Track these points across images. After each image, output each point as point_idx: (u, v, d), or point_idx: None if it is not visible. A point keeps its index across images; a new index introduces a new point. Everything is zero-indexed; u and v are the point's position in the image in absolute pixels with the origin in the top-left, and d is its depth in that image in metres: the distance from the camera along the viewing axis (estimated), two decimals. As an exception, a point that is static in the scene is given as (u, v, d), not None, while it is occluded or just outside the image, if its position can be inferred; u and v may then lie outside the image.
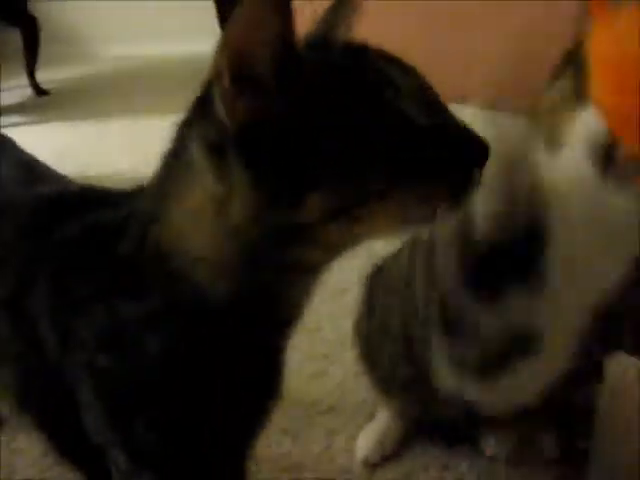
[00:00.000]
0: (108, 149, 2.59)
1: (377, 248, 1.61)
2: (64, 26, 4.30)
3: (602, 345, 0.89)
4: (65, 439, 0.74)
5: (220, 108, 0.55)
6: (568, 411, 0.95)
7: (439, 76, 0.59)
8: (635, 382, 0.90)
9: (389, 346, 1.00)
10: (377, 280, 1.06)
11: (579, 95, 0.73)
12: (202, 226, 0.59)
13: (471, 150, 0.59)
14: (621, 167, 0.70)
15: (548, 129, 0.77)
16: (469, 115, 0.65)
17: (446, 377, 0.91)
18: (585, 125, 0.72)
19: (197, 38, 4.27)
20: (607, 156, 0.71)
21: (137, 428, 0.64)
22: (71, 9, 4.32)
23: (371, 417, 1.10)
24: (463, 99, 1.29)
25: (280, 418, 1.08)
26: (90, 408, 0.66)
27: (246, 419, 0.70)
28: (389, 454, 1.05)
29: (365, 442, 1.06)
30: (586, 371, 0.91)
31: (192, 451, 0.65)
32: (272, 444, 1.07)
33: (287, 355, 0.71)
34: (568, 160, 0.74)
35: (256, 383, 0.68)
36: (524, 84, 1.17)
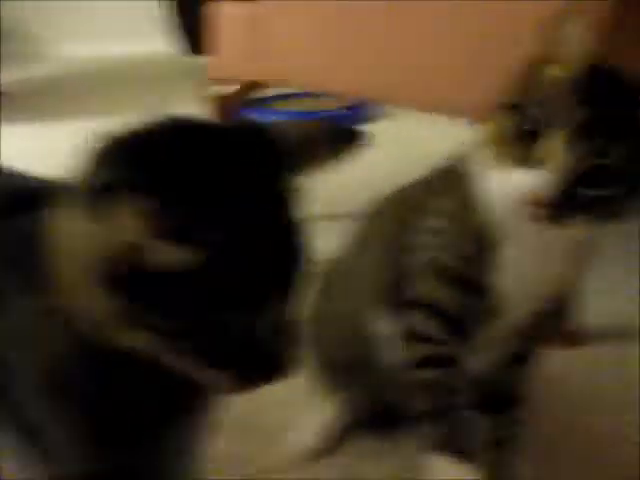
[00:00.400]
0: (57, 151, 2.58)
1: (316, 245, 1.67)
2: (15, 25, 4.26)
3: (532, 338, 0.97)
4: None
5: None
6: (497, 397, 1.00)
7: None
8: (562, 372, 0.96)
9: (339, 330, 1.04)
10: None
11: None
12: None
13: (260, 366, 0.59)
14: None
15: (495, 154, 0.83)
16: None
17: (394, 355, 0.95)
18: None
19: (149, 38, 4.29)
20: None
21: None
22: (21, 8, 4.28)
23: (313, 409, 1.14)
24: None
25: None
26: None
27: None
28: (331, 445, 1.09)
29: (306, 434, 1.10)
30: (517, 359, 0.98)
31: None
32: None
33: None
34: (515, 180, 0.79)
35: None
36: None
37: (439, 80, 1.34)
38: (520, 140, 0.78)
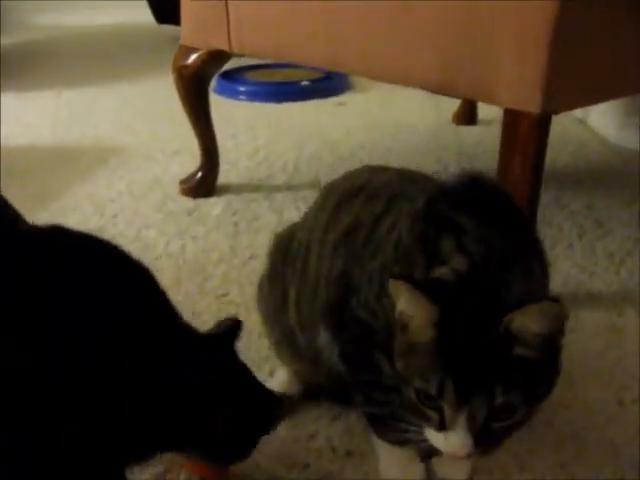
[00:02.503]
0: (32, 120, 2.60)
1: (289, 217, 1.69)
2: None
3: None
4: None
5: None
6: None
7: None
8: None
9: (285, 315, 1.06)
10: (281, 246, 1.12)
11: None
12: None
13: None
14: None
15: None
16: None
17: (328, 354, 0.99)
18: None
19: (126, 7, 4.27)
20: None
21: None
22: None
23: (271, 374, 1.18)
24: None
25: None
26: None
27: None
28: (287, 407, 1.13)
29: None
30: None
31: None
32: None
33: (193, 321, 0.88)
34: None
35: None
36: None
37: (407, 51, 1.35)
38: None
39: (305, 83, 2.86)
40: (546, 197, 1.86)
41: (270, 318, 1.11)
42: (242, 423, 0.87)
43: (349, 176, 1.06)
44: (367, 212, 0.94)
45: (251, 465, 1.01)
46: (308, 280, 1.00)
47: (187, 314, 1.31)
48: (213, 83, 2.85)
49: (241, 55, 1.70)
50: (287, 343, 1.09)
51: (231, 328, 0.91)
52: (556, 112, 1.22)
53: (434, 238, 0.81)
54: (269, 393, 0.92)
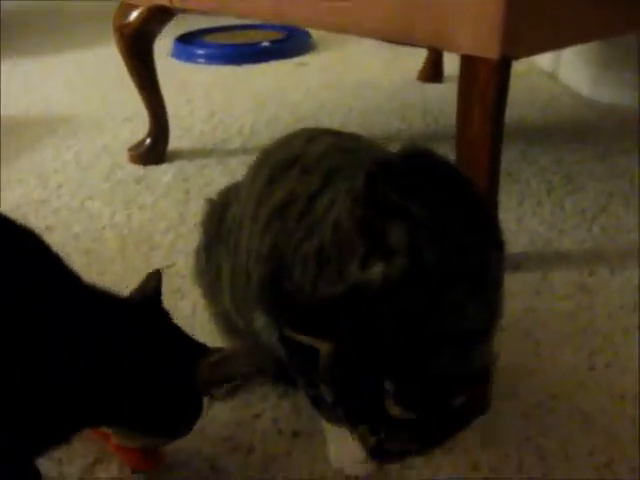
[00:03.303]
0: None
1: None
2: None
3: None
4: None
5: None
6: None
7: None
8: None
9: (220, 294, 0.98)
10: (214, 215, 1.03)
11: None
12: None
13: None
14: None
15: None
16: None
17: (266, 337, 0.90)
18: None
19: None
20: None
21: None
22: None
23: (216, 350, 1.09)
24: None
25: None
26: None
27: None
28: (232, 387, 1.04)
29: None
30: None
31: None
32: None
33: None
34: None
35: None
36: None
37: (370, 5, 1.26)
38: None
39: (265, 44, 2.76)
40: (513, 152, 1.78)
41: (208, 292, 1.02)
42: (171, 387, 0.80)
43: (284, 143, 0.96)
44: (302, 187, 0.85)
45: (191, 451, 0.93)
46: (241, 259, 0.91)
47: (131, 286, 1.24)
48: (170, 47, 2.76)
49: (183, 10, 1.59)
50: (225, 322, 1.00)
51: (154, 284, 0.86)
52: (516, 57, 1.13)
53: (380, 226, 0.72)
54: (202, 349, 0.85)
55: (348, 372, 0.69)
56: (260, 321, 0.89)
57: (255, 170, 0.95)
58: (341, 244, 0.74)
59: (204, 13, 1.70)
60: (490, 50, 1.10)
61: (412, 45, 1.79)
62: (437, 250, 0.70)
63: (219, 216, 0.99)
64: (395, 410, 0.67)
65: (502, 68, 1.11)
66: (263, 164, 0.94)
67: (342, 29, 1.36)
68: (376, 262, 0.70)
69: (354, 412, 0.71)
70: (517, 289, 1.24)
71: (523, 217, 1.48)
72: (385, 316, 0.67)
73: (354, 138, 0.96)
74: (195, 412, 0.85)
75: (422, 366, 0.66)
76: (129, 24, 1.63)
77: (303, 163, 0.87)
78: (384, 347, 0.67)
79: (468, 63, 1.14)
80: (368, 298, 0.68)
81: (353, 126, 1.99)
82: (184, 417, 0.84)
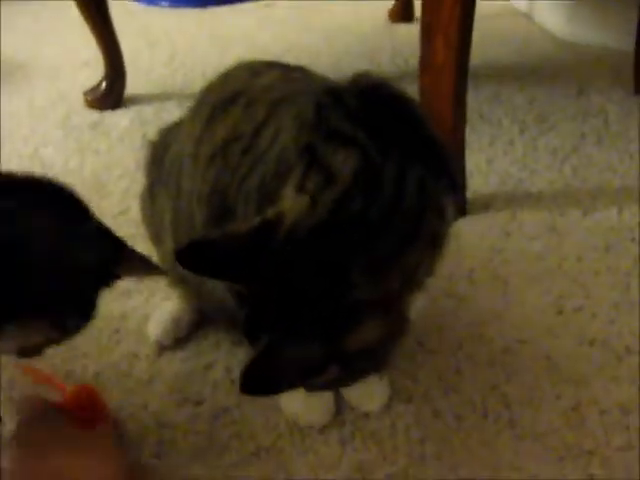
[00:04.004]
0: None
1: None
2: None
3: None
4: None
5: None
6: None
7: None
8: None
9: (164, 239, 0.92)
10: (156, 157, 0.96)
11: None
12: None
13: None
14: None
15: None
16: None
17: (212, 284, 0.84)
18: None
19: None
20: None
21: None
22: None
23: (168, 299, 1.03)
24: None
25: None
26: None
27: None
28: (182, 336, 0.99)
29: (157, 323, 0.99)
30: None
31: None
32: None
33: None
34: None
35: None
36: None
37: None
38: None
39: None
40: (485, 92, 1.71)
41: (154, 237, 0.96)
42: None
43: (225, 79, 0.89)
44: (246, 122, 0.78)
45: (137, 405, 0.88)
46: (182, 203, 0.85)
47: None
48: (133, -10, 2.65)
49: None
50: (171, 268, 0.94)
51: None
52: (482, -16, 1.07)
53: (323, 151, 0.67)
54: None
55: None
56: None
57: (196, 108, 0.88)
58: (284, 175, 0.69)
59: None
60: (454, -24, 1.03)
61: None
62: (378, 181, 0.64)
63: (160, 158, 0.93)
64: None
65: (467, -3, 1.05)
66: (204, 101, 0.87)
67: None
68: (314, 183, 0.64)
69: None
70: (486, 229, 1.19)
71: (494, 157, 1.43)
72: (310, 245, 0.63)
73: (302, 70, 0.89)
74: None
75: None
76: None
77: (246, 98, 0.81)
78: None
79: (431, -9, 1.07)
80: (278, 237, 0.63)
81: (322, 68, 1.90)
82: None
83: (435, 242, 0.69)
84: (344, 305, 0.62)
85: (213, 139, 0.81)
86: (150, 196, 0.96)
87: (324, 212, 0.63)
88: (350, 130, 0.68)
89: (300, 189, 0.65)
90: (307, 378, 0.67)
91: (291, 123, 0.72)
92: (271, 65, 0.90)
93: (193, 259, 0.64)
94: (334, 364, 0.64)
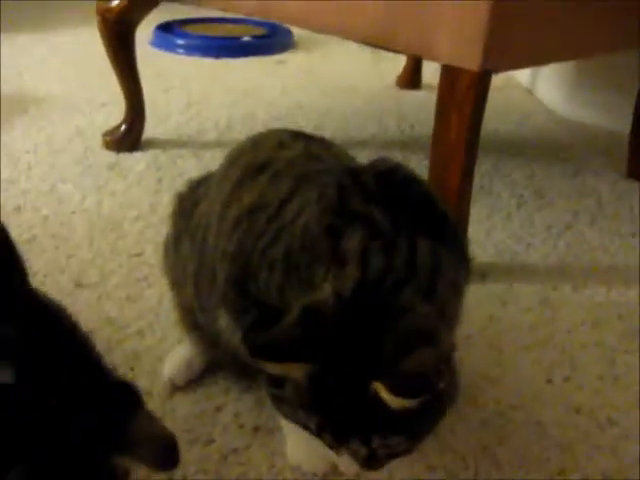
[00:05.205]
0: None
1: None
2: None
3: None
4: None
5: None
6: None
7: None
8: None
9: (184, 289, 0.98)
10: (184, 209, 1.03)
11: None
12: None
13: None
14: None
15: None
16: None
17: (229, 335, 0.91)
18: None
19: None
20: None
21: None
22: None
23: (181, 341, 1.08)
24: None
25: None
26: None
27: None
28: (194, 378, 1.04)
29: (172, 364, 1.04)
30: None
31: None
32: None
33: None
34: None
35: None
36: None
37: (346, 2, 1.26)
38: None
39: (246, 39, 2.75)
40: (486, 165, 1.80)
41: (174, 284, 1.02)
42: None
43: (255, 145, 0.96)
44: (271, 192, 0.86)
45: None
46: (206, 257, 0.92)
47: (97, 273, 1.23)
48: (151, 36, 2.74)
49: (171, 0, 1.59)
50: (187, 315, 1.00)
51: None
52: (496, 70, 1.15)
53: (341, 233, 0.75)
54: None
55: (330, 390, 0.70)
56: (223, 319, 0.90)
57: (225, 170, 0.96)
58: (308, 251, 0.76)
59: (187, 3, 1.68)
60: (471, 61, 1.11)
61: (392, 51, 1.81)
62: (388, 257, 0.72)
63: (188, 211, 1.00)
64: (395, 401, 0.67)
65: (482, 80, 1.13)
66: (233, 164, 0.95)
67: (326, 30, 1.36)
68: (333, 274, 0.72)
69: (343, 429, 0.72)
70: (483, 298, 1.26)
71: (492, 229, 1.50)
72: (347, 325, 0.69)
73: (324, 144, 0.97)
74: None
75: (400, 357, 0.67)
76: (112, 9, 1.62)
77: (274, 168, 0.88)
78: (362, 351, 0.68)
79: (449, 72, 1.15)
80: (325, 317, 0.70)
81: (328, 128, 2.00)
82: None
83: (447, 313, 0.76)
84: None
85: (240, 204, 0.87)
86: (175, 245, 1.01)
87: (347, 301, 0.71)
88: (366, 209, 0.75)
89: (325, 279, 0.73)
90: None
91: (315, 201, 0.79)
92: (296, 136, 0.97)
93: (265, 352, 0.71)
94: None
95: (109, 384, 0.63)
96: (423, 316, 0.71)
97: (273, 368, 0.72)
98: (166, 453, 0.61)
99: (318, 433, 0.74)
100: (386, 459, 0.75)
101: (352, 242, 0.73)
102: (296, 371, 0.71)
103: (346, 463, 0.76)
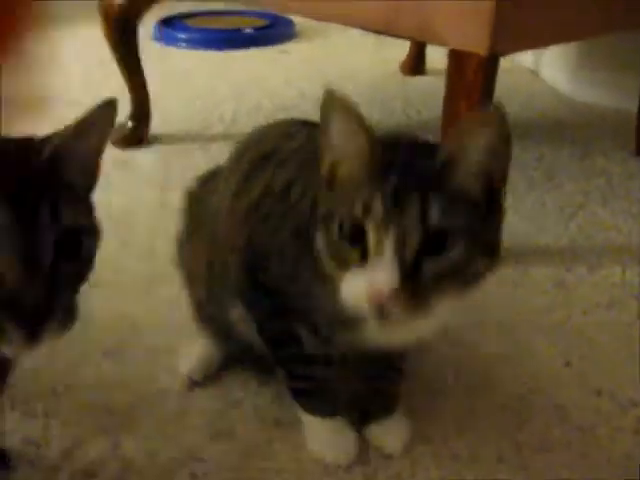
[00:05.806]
0: None
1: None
2: None
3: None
4: None
5: None
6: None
7: None
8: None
9: (197, 283, 0.99)
10: (194, 204, 1.03)
11: None
12: None
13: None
14: None
15: None
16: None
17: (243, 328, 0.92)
18: None
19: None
20: None
21: None
22: None
23: (196, 336, 1.08)
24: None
25: (100, 338, 1.07)
26: None
27: None
28: (212, 373, 1.04)
29: (188, 360, 1.04)
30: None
31: None
32: (91, 365, 1.04)
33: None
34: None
35: None
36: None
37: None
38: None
39: (248, 31, 2.74)
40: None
41: (188, 278, 1.03)
42: None
43: (261, 137, 0.97)
44: (277, 180, 0.87)
45: (168, 436, 0.93)
46: (218, 250, 0.92)
47: (110, 271, 1.23)
48: (153, 30, 2.73)
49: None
50: (199, 310, 1.01)
51: None
52: (503, 54, 1.14)
53: None
54: None
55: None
56: (236, 312, 0.91)
57: (232, 164, 0.96)
58: (314, 226, 0.75)
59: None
60: (479, 46, 1.10)
61: (397, 37, 1.80)
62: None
63: (198, 206, 1.00)
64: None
65: (490, 64, 1.12)
66: (240, 158, 0.95)
67: (328, 18, 1.35)
68: None
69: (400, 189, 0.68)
70: (497, 281, 1.25)
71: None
72: None
73: None
74: None
75: None
76: (114, 4, 1.62)
77: (278, 158, 0.89)
78: None
79: (456, 58, 1.14)
80: None
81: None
82: None
83: None
84: None
85: (249, 197, 0.89)
86: (188, 240, 1.01)
87: None
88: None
89: None
90: None
91: (317, 182, 0.79)
92: (302, 125, 0.97)
93: None
94: None
95: None
96: None
97: (340, 124, 0.73)
98: None
99: (365, 211, 0.67)
100: (431, 285, 0.67)
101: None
102: (356, 136, 0.71)
103: (380, 275, 0.66)
